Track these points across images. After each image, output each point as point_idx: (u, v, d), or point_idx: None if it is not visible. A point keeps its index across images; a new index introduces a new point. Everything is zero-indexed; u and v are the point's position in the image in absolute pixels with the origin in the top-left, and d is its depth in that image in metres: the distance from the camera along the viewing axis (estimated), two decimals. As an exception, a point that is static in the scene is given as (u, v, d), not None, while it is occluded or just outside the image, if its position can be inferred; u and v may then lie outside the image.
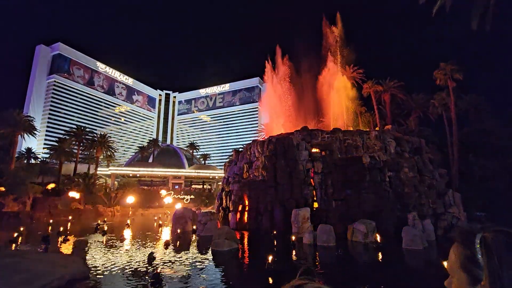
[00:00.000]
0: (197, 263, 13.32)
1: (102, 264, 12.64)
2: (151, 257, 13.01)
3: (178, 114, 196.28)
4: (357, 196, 21.76)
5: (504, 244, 0.97)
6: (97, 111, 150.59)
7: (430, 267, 12.54)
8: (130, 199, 29.93)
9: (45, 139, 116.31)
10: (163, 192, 53.26)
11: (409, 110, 46.99)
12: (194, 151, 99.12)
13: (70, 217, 32.05)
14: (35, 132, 53.51)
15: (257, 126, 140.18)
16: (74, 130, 60.11)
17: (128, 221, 28.91)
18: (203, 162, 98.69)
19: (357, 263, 13.48)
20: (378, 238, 17.23)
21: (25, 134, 50.41)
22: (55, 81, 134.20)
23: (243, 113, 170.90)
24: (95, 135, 63.96)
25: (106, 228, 23.95)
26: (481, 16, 15.32)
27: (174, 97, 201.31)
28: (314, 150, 24.94)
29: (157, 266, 12.12)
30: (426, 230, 18.46)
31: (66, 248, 16.42)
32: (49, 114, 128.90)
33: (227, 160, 37.59)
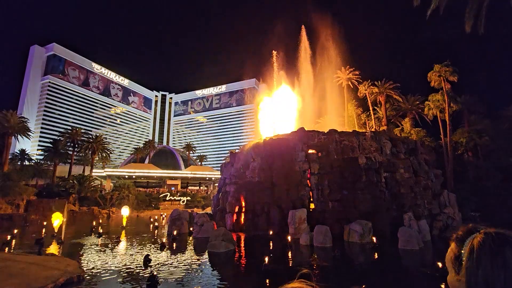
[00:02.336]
0: (194, 265, 13.26)
1: (97, 267, 12.51)
2: (146, 259, 12.92)
3: (174, 115, 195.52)
4: (354, 197, 21.86)
5: (489, 248, 0.97)
6: (92, 112, 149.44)
7: (426, 267, 12.62)
8: (125, 211, 30.11)
9: (39, 141, 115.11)
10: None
11: (405, 111, 47.42)
12: (191, 152, 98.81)
13: (64, 220, 31.67)
14: (29, 133, 52.95)
15: (253, 127, 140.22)
16: (69, 131, 59.57)
17: (124, 223, 28.70)
18: (199, 163, 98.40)
19: (353, 263, 13.52)
20: (374, 238, 17.32)
21: (18, 136, 49.83)
22: (49, 82, 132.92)
23: (239, 114, 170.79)
24: (90, 136, 63.43)
25: (101, 230, 23.73)
26: (474, 18, 15.55)
27: (170, 98, 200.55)
28: (310, 151, 24.99)
29: (153, 268, 12.03)
30: (421, 231, 18.59)
31: (61, 251, 16.22)
32: (44, 115, 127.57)
33: (224, 161, 37.55)
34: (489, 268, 0.96)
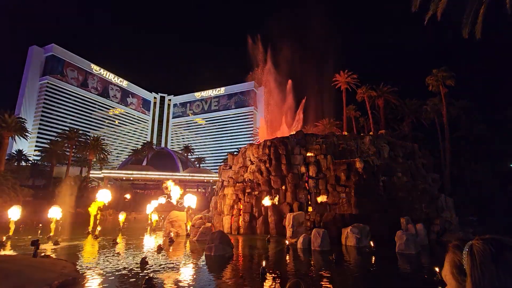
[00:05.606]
0: (191, 268, 13.19)
1: (94, 269, 12.42)
2: (143, 262, 12.84)
3: (173, 117, 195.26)
4: (351, 200, 21.88)
5: (490, 253, 0.96)
6: (90, 113, 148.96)
7: (423, 272, 12.62)
8: (121, 216, 29.35)
9: (37, 141, 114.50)
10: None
11: (403, 115, 47.64)
12: (189, 154, 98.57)
13: (60, 221, 31.43)
14: (27, 134, 52.54)
15: (252, 130, 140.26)
16: (67, 132, 59.26)
17: (121, 225, 28.54)
18: (197, 165, 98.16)
19: (351, 267, 13.50)
20: (372, 242, 17.32)
21: (16, 136, 49.48)
22: (48, 83, 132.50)
23: (238, 116, 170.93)
24: (88, 137, 63.22)
25: (98, 232, 23.59)
26: (471, 25, 15.71)
27: (169, 100, 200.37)
28: (308, 154, 25.04)
29: (149, 271, 11.95)
30: (419, 235, 18.61)
31: (56, 253, 16.08)
32: (41, 115, 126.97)
33: (222, 163, 37.45)
34: (494, 272, 0.96)
